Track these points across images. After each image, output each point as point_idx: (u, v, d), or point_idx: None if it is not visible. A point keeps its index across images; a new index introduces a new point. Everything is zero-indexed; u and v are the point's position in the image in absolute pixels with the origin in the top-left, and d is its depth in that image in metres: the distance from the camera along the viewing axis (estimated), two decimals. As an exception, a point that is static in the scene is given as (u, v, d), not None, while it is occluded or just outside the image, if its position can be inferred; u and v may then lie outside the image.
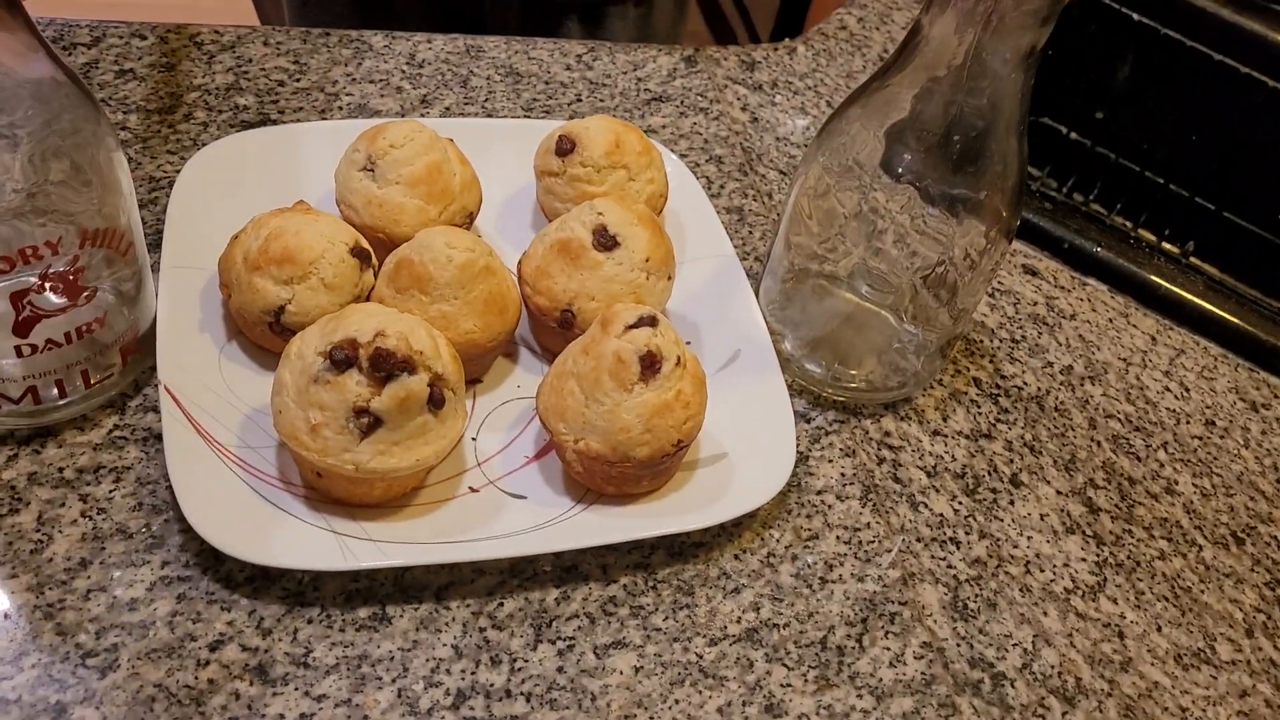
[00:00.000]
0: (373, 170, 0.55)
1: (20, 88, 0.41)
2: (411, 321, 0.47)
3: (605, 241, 0.54)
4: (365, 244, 0.53)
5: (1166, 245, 0.72)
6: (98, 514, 0.46)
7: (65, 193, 0.43)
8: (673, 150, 0.71)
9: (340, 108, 0.68)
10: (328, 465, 0.45)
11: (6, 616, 0.43)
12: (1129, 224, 0.74)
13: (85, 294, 0.45)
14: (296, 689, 0.43)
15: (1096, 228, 0.72)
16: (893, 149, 0.53)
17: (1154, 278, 0.69)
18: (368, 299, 0.53)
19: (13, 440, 0.48)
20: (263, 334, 0.51)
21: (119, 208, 0.45)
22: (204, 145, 0.62)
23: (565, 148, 0.59)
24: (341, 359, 0.45)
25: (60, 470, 0.47)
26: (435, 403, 0.46)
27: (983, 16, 0.45)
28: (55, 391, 0.47)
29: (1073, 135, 0.79)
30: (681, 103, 0.75)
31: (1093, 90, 0.78)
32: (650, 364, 0.48)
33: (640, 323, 0.49)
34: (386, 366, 0.45)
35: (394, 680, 0.44)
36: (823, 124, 0.54)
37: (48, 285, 0.43)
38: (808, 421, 0.57)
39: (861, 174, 0.53)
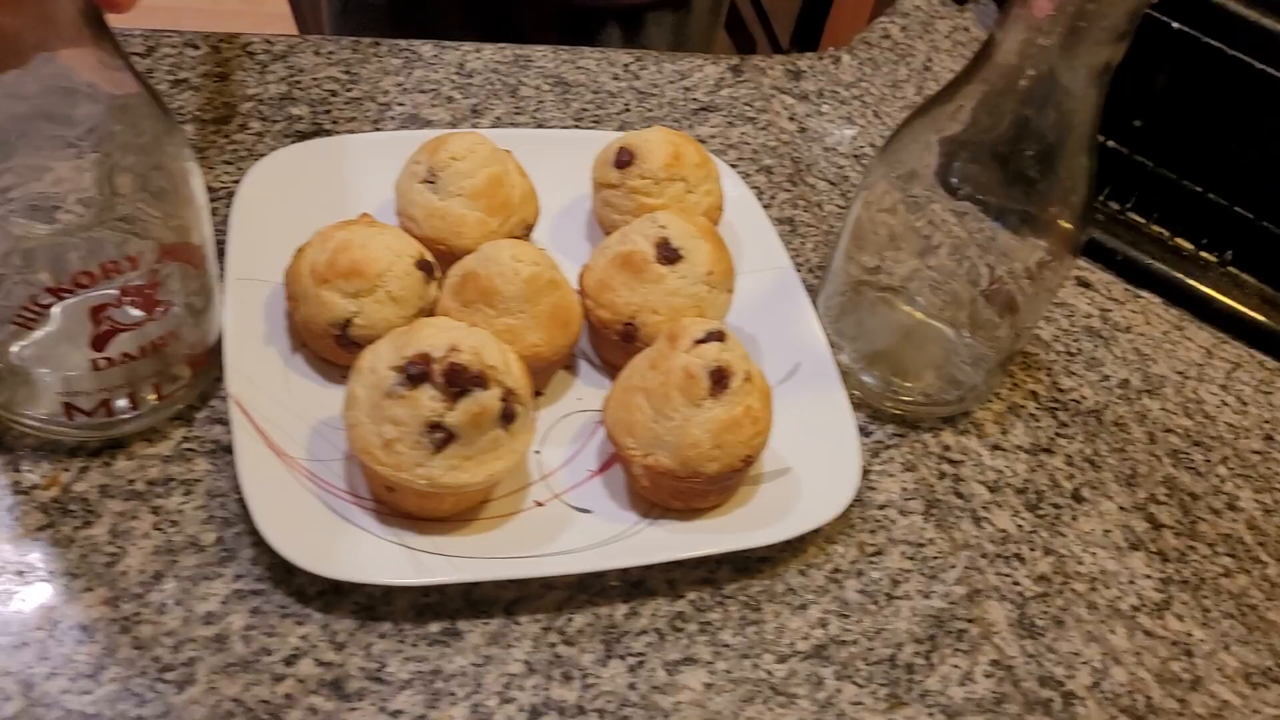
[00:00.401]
0: (434, 182, 0.55)
1: (102, 102, 0.41)
2: (483, 336, 0.47)
3: (668, 255, 0.54)
4: (430, 257, 0.53)
5: (1205, 254, 0.71)
6: (170, 526, 0.47)
7: (144, 207, 0.43)
8: (722, 160, 0.70)
9: (392, 117, 0.68)
10: (401, 480, 0.45)
11: (84, 629, 0.43)
12: (1166, 232, 0.73)
13: (160, 308, 0.45)
14: (372, 704, 0.43)
15: (1147, 240, 0.72)
16: (958, 163, 0.53)
17: (1209, 290, 0.68)
18: (432, 312, 0.52)
19: (83, 452, 0.48)
20: (328, 346, 0.51)
21: (194, 221, 0.45)
22: (260, 156, 0.62)
23: (624, 159, 0.58)
24: (415, 374, 0.45)
25: (131, 482, 0.48)
26: (507, 418, 0.46)
27: (1060, 33, 0.45)
28: (127, 404, 0.47)
29: (1110, 143, 0.78)
30: (729, 112, 0.75)
31: (1130, 98, 0.78)
32: (719, 379, 0.48)
33: (709, 337, 0.49)
34: (460, 382, 0.45)
35: (468, 696, 0.44)
36: (888, 137, 0.54)
37: (126, 299, 0.43)
38: (867, 435, 0.57)
39: (927, 189, 0.53)
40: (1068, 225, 0.52)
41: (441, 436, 0.45)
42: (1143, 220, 0.73)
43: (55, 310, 0.44)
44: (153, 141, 0.42)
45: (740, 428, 0.48)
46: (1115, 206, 0.74)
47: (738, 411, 0.48)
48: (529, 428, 0.48)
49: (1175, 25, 0.73)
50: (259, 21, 0.79)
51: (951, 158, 0.53)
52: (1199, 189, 0.74)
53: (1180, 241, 0.72)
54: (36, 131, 0.41)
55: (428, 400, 0.45)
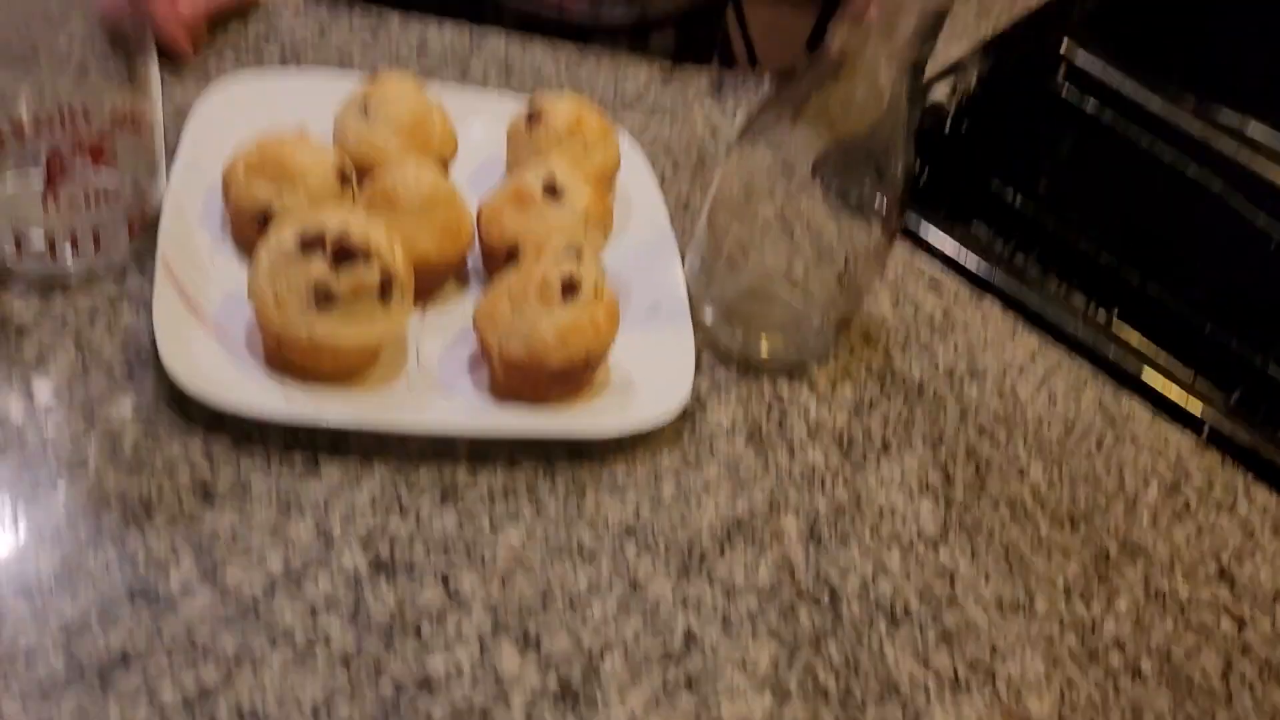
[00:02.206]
0: (366, 111, 0.65)
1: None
2: (376, 225, 0.55)
3: (552, 191, 0.63)
4: (350, 169, 0.62)
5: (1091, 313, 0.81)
6: (89, 354, 0.55)
7: (97, 72, 0.52)
8: (634, 141, 0.80)
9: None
10: (287, 333, 0.53)
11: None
12: (1063, 286, 0.82)
13: (108, 163, 0.53)
14: (232, 508, 0.51)
15: (1018, 273, 0.81)
16: (817, 155, 0.62)
17: (1038, 301, 0.78)
18: (344, 214, 0.61)
19: (24, 285, 0.56)
20: (250, 231, 0.60)
21: (146, 97, 0.54)
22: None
23: (532, 116, 0.68)
24: (310, 243, 0.53)
25: (63, 318, 0.56)
26: (384, 293, 0.55)
27: (881, 34, 0.55)
28: (69, 247, 0.56)
29: (1018, 200, 0.90)
30: (653, 107, 0.85)
31: (1040, 163, 0.90)
32: (570, 288, 0.57)
33: (568, 254, 0.58)
34: (347, 254, 0.53)
35: (315, 515, 0.52)
36: (744, 123, 0.64)
37: (79, 149, 0.52)
38: (711, 375, 0.65)
39: (781, 172, 0.62)
40: (895, 210, 0.62)
41: (324, 298, 0.53)
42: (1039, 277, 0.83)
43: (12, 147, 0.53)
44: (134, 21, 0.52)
45: (583, 331, 0.57)
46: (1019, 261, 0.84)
47: (583, 318, 0.57)
48: (405, 310, 0.56)
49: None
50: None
51: (806, 146, 0.62)
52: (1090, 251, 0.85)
53: (1075, 296, 0.82)
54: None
55: (317, 266, 0.53)
